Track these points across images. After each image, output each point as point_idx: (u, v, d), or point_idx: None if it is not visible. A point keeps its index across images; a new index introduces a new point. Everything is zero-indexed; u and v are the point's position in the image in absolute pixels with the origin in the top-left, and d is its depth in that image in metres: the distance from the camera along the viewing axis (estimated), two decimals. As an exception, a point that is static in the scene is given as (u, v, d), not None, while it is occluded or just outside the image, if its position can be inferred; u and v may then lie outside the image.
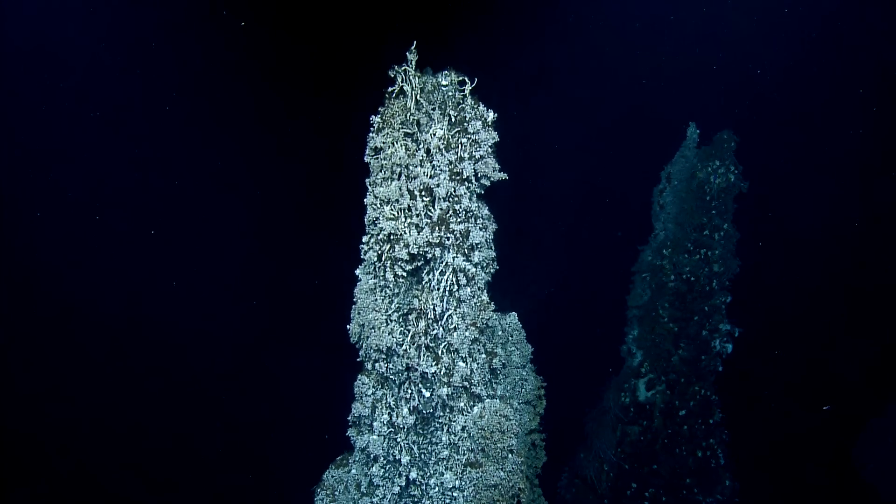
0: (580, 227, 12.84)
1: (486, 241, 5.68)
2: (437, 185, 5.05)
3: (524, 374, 7.22)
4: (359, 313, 5.57)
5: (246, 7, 12.03)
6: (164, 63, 13.18)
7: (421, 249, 5.20)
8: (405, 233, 5.10)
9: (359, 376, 6.23)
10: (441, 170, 5.04)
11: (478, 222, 5.54)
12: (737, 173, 10.01)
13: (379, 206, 5.13)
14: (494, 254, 5.96)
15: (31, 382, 13.78)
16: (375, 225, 5.26)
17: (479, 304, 5.85)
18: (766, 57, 10.81)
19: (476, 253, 5.57)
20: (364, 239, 5.55)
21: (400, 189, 5.05)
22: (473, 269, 5.60)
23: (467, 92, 5.15)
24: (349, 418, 6.33)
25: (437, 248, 5.30)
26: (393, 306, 5.62)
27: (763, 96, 10.97)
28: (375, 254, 5.36)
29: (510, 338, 6.89)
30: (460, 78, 5.19)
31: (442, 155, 5.01)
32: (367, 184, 5.26)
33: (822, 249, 11.20)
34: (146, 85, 13.32)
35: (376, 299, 5.54)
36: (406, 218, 5.12)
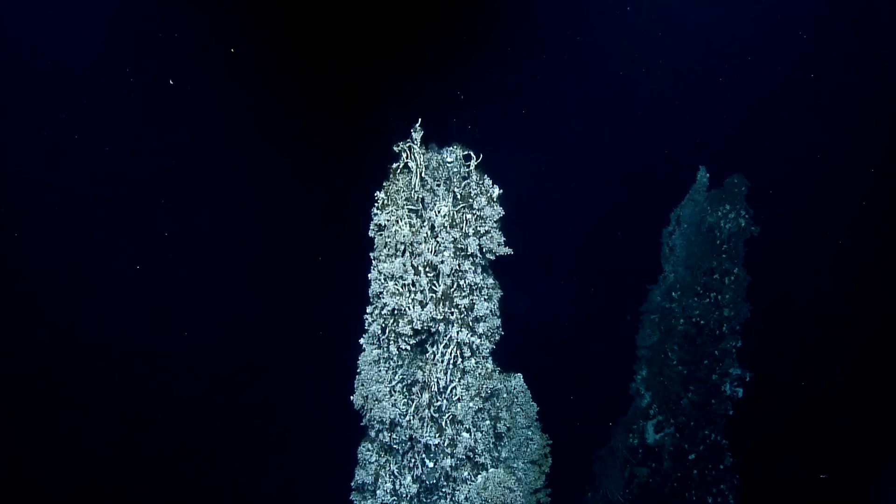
0: (589, 262, 12.73)
1: (491, 311, 5.62)
2: (442, 262, 5.01)
3: (530, 433, 7.12)
4: (362, 384, 5.52)
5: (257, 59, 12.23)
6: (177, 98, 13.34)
7: (425, 325, 5.16)
8: (409, 308, 5.06)
9: (362, 442, 6.18)
10: (445, 247, 5.01)
11: (482, 293, 5.49)
12: (747, 218, 9.88)
13: (383, 281, 5.10)
14: (499, 322, 5.90)
15: (32, 386, 13.79)
16: (379, 299, 5.22)
17: (483, 373, 5.79)
18: (781, 101, 10.68)
19: (481, 324, 5.52)
20: (368, 310, 5.52)
21: (404, 265, 5.02)
22: (478, 341, 5.55)
23: (473, 167, 5.12)
24: (352, 484, 6.28)
25: (442, 324, 5.25)
26: (397, 377, 5.57)
27: (776, 140, 10.83)
28: (379, 327, 5.32)
29: (515, 399, 6.80)
30: (465, 153, 5.17)
31: (447, 232, 4.98)
32: (372, 258, 5.23)
33: (836, 294, 11.00)
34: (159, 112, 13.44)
35: (380, 371, 5.50)
36: (410, 294, 5.08)
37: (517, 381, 6.66)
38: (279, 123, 13.10)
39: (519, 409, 6.83)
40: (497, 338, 6.00)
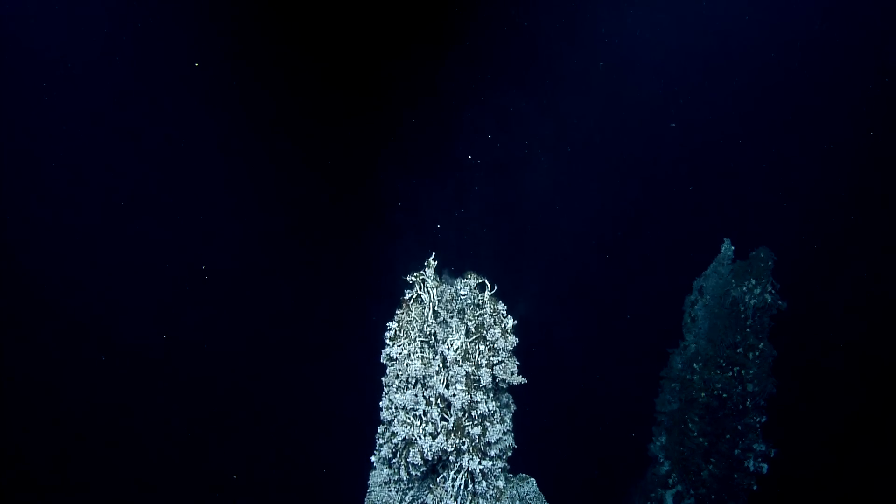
0: (610, 321, 12.52)
1: (503, 431, 5.51)
2: (454, 396, 4.93)
3: (543, 535, 6.98)
4: (372, 505, 5.47)
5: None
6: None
7: (435, 455, 5.08)
8: (419, 439, 4.99)
9: (372, 552, 6.12)
10: (458, 380, 4.93)
11: (495, 417, 5.38)
12: (774, 293, 9.55)
13: (394, 410, 5.05)
14: (512, 438, 5.78)
15: (41, 388, 13.92)
16: (390, 426, 5.17)
17: (494, 494, 5.68)
18: (810, 173, 10.32)
19: (493, 448, 5.41)
20: (379, 430, 5.46)
21: (416, 397, 4.95)
22: (490, 464, 5.44)
23: (487, 297, 5.03)
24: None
25: (453, 454, 5.17)
26: (407, 498, 5.50)
27: (804, 211, 10.46)
28: (390, 451, 5.26)
29: (529, 505, 6.67)
30: (480, 281, 5.08)
31: (459, 366, 4.90)
32: (383, 384, 5.18)
33: (869, 372, 10.56)
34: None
35: (390, 492, 5.44)
36: (421, 424, 5.01)
37: (530, 486, 6.52)
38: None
39: (532, 514, 6.69)
40: (510, 454, 5.89)
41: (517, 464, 6.43)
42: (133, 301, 13.92)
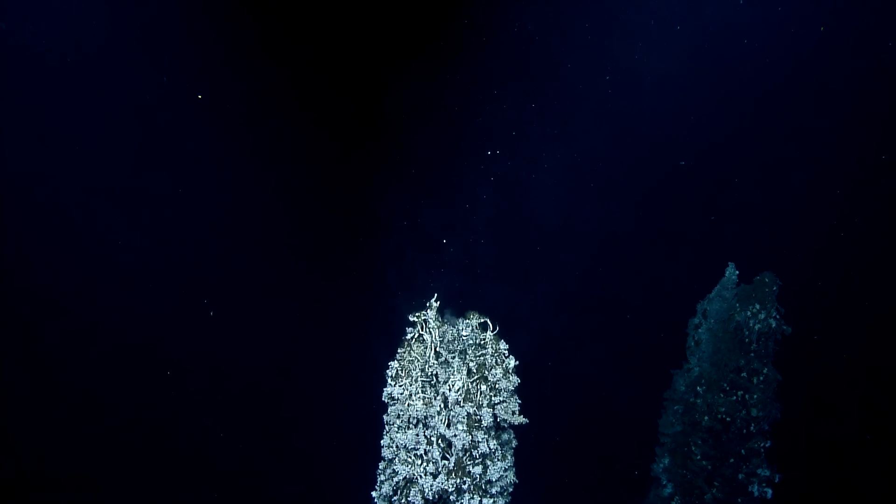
0: (614, 341, 12.49)
1: (504, 468, 5.51)
2: (455, 436, 4.94)
3: (544, 567, 6.96)
4: (373, 541, 5.47)
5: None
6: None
7: (436, 495, 5.09)
8: (420, 478, 5.00)
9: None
10: (459, 420, 4.94)
11: (496, 455, 5.38)
12: (778, 318, 9.48)
13: (395, 449, 5.06)
14: (513, 475, 5.78)
15: (45, 391, 13.91)
16: (392, 463, 5.18)
17: (496, 530, 5.67)
18: (812, 200, 10.29)
19: (495, 486, 5.41)
20: (381, 466, 5.47)
21: (417, 437, 4.96)
22: (491, 502, 5.44)
23: (489, 337, 5.04)
24: None
25: (454, 493, 5.17)
26: (408, 535, 5.50)
27: (810, 234, 10.41)
28: (391, 488, 5.27)
29: (530, 538, 6.65)
30: (481, 321, 5.09)
31: (460, 406, 4.91)
32: (385, 422, 5.20)
33: (871, 396, 10.48)
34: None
35: (391, 529, 5.44)
36: (422, 464, 5.02)
37: (531, 517, 6.51)
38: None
39: (533, 547, 6.66)
40: (511, 489, 5.89)
41: (519, 489, 6.44)
42: (132, 313, 14.02)
